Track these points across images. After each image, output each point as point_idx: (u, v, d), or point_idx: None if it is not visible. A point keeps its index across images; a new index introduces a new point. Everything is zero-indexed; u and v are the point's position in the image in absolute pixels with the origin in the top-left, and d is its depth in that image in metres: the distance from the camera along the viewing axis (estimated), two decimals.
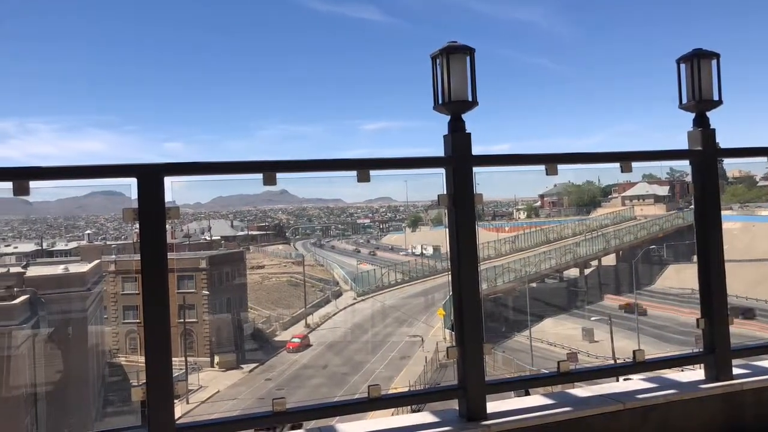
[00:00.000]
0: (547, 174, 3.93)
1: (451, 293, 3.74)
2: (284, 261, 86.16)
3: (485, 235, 68.00)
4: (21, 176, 3.00)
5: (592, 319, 49.08)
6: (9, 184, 2.98)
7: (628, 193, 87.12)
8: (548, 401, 3.83)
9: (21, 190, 2.98)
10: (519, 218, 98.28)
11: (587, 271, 62.80)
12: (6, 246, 66.41)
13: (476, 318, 3.64)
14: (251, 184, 3.47)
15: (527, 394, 4.30)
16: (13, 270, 36.39)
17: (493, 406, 3.66)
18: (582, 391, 4.04)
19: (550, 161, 3.96)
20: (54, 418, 29.37)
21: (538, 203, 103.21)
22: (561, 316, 53.74)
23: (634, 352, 4.09)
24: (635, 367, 4.11)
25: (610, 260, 63.74)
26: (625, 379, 4.42)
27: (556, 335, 47.14)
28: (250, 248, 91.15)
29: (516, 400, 3.86)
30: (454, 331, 3.80)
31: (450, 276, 3.72)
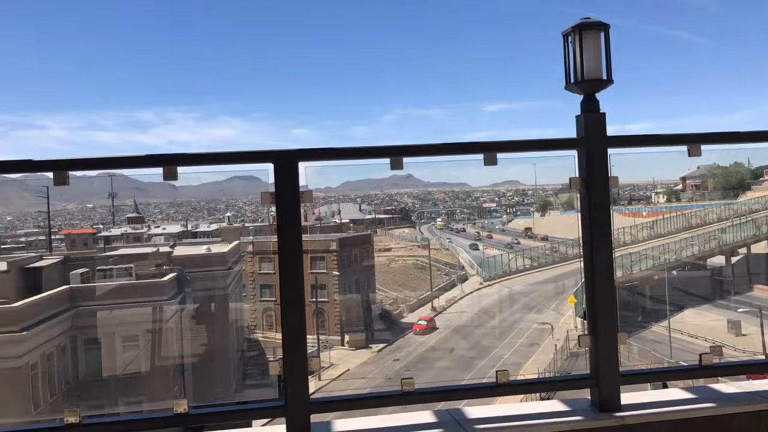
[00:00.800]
0: (689, 155, 3.68)
1: (583, 280, 3.62)
2: (410, 244, 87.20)
3: (621, 220, 65.09)
4: (170, 162, 3.24)
5: (739, 310, 45.68)
6: (159, 170, 3.22)
7: None
8: (688, 395, 3.62)
9: (169, 175, 3.21)
10: (658, 202, 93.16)
11: (734, 260, 58.37)
12: (156, 227, 72.06)
13: (610, 306, 3.50)
14: (378, 168, 3.55)
15: (665, 387, 4.09)
16: (162, 250, 39.36)
17: (627, 397, 3.52)
18: (727, 386, 3.77)
19: (693, 141, 3.70)
20: (199, 388, 31.62)
21: (680, 186, 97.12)
22: (704, 307, 50.41)
23: None
24: None
25: (760, 248, 58.85)
26: None
27: (698, 327, 44.28)
28: (377, 231, 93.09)
29: (653, 393, 3.68)
30: (587, 319, 3.68)
31: (582, 262, 3.60)
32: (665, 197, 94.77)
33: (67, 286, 30.51)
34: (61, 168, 3.13)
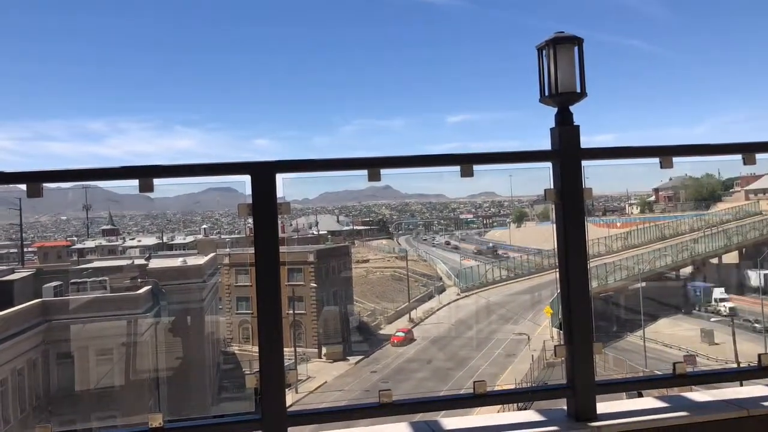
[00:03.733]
0: (661, 167, 3.74)
1: (558, 290, 3.65)
2: (388, 255, 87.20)
3: (595, 231, 65.75)
4: (146, 174, 3.21)
5: (712, 320, 46.34)
6: (135, 182, 3.20)
7: (753, 186, 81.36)
8: (662, 404, 3.66)
9: (145, 187, 3.19)
10: (632, 213, 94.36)
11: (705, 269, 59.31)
12: (131, 239, 71.25)
13: (586, 315, 3.54)
14: (356, 179, 3.55)
15: (640, 395, 4.13)
16: (137, 262, 38.93)
17: (603, 407, 3.54)
18: (700, 395, 3.82)
19: (665, 153, 3.76)
20: (175, 402, 31.22)
21: (652, 198, 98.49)
22: (677, 317, 51.11)
23: (759, 355, 3.82)
24: (761, 372, 3.84)
25: (731, 258, 59.87)
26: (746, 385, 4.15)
27: (672, 336, 44.85)
28: (355, 243, 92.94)
29: (628, 402, 3.71)
30: (563, 329, 3.70)
31: (558, 273, 3.63)
32: (639, 208, 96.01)
33: (40, 299, 29.99)
34: (34, 180, 3.09)
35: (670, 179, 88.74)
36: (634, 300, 49.15)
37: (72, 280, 32.63)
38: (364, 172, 3.40)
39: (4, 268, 39.48)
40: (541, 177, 3.66)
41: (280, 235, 3.45)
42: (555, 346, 3.63)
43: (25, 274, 34.49)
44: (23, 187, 3.17)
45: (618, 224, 78.73)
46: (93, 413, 28.18)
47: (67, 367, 29.39)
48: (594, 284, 48.18)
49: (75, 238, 79.41)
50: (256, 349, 3.22)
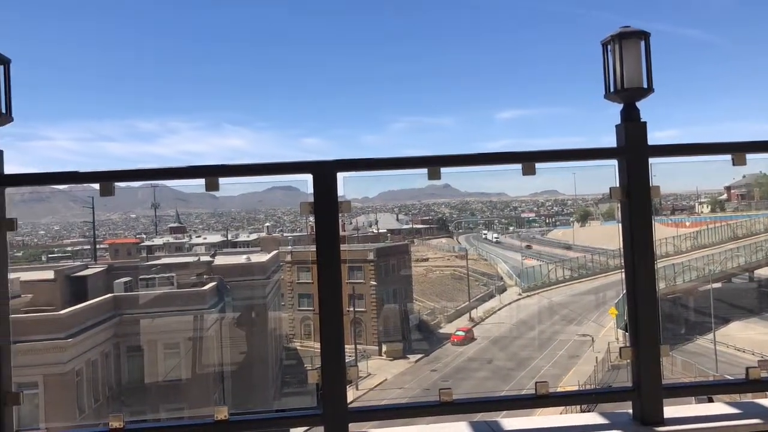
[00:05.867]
0: (734, 164, 3.60)
1: (624, 291, 3.56)
2: (448, 254, 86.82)
3: (663, 231, 63.76)
4: (212, 173, 3.31)
5: None
6: (201, 181, 3.30)
7: None
8: (734, 410, 3.53)
9: (211, 186, 3.29)
10: (702, 212, 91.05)
11: None
12: (197, 237, 73.25)
13: (652, 317, 3.44)
14: (416, 178, 3.56)
15: (710, 401, 3.98)
16: (203, 259, 40.00)
17: (670, 411, 3.44)
18: None
19: (737, 150, 3.62)
20: (239, 395, 31.97)
21: (724, 196, 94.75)
22: (751, 320, 48.97)
23: None
24: None
25: None
26: None
27: (745, 340, 43.01)
28: (415, 241, 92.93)
29: (697, 407, 3.59)
30: (628, 331, 3.62)
31: (624, 273, 3.55)
32: (709, 207, 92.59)
33: (111, 294, 31.21)
34: (107, 179, 3.23)
35: (744, 177, 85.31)
36: (704, 302, 47.40)
37: (141, 276, 33.82)
38: (424, 170, 3.41)
39: (79, 263, 41.30)
40: (605, 175, 3.58)
41: (341, 233, 3.49)
42: (620, 348, 3.55)
43: (97, 270, 35.97)
44: (95, 186, 3.32)
45: (687, 223, 76.13)
46: (161, 405, 29.14)
47: (137, 359, 30.51)
48: (662, 285, 46.72)
49: (144, 236, 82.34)
50: (317, 345, 3.26)
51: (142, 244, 62.43)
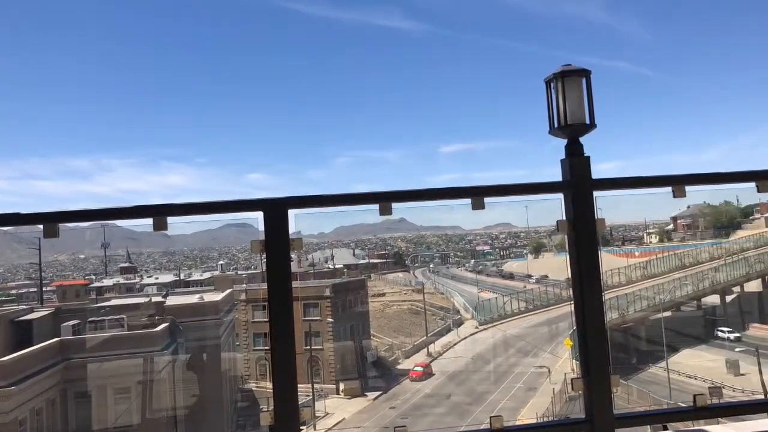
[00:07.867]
0: (674, 196, 3.73)
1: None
2: (404, 289, 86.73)
3: (614, 261, 65.13)
4: (160, 213, 3.26)
5: (737, 350, 45.42)
6: (149, 221, 3.24)
7: None
8: None
9: (160, 225, 3.24)
10: (650, 242, 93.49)
11: (728, 299, 58.30)
12: (148, 277, 71.64)
13: (602, 348, 3.50)
14: (369, 213, 3.57)
15: (665, 429, 4.04)
16: (154, 299, 39.04)
17: None
18: (726, 428, 3.74)
19: (678, 183, 3.75)
20: None
21: (671, 226, 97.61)
22: (700, 347, 50.15)
23: None
24: None
25: (753, 286, 58.89)
26: None
27: (695, 367, 43.96)
28: (372, 276, 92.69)
29: None
30: (579, 362, 3.66)
31: (573, 305, 3.61)
32: (657, 237, 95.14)
33: (57, 338, 30.10)
34: (51, 220, 3.15)
35: (688, 207, 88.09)
36: (656, 331, 48.36)
37: (90, 319, 32.77)
38: (376, 206, 3.43)
39: (24, 307, 39.78)
40: (555, 207, 3.66)
41: (295, 270, 3.46)
42: (572, 379, 3.59)
43: (44, 313, 34.69)
44: (41, 226, 3.23)
45: (636, 254, 77.99)
46: None
47: (85, 406, 29.33)
48: (614, 315, 47.53)
49: (93, 277, 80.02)
50: (271, 385, 3.21)
51: (92, 285, 60.65)
